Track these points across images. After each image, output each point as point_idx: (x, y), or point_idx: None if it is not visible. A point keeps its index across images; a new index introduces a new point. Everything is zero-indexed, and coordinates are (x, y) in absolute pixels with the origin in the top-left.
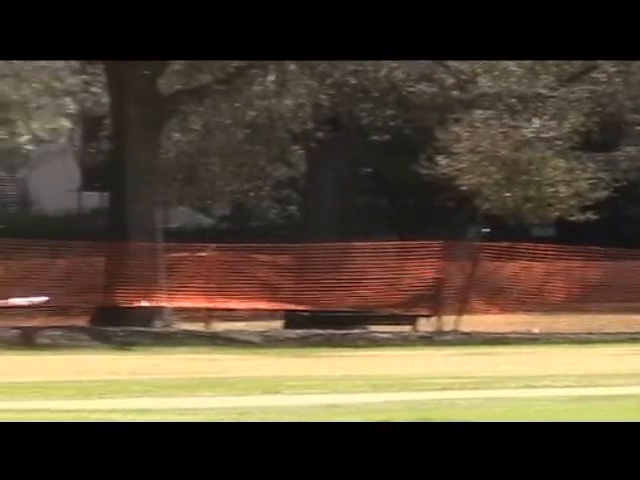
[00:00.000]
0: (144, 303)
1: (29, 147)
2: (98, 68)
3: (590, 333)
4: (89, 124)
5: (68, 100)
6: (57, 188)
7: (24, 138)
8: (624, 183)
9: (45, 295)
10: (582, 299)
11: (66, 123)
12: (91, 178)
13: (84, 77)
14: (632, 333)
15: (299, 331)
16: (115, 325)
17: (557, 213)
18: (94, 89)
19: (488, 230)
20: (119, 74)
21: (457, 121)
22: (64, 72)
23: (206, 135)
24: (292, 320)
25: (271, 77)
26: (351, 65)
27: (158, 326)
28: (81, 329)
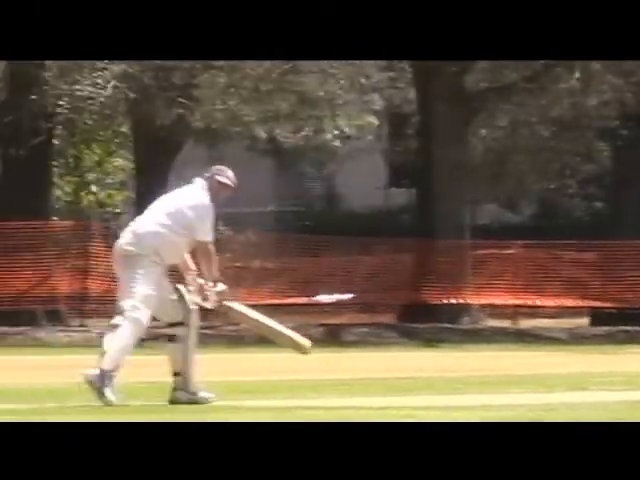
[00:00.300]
0: (451, 300)
1: (336, 144)
2: (405, 65)
3: None
4: (395, 121)
5: (375, 97)
6: (364, 185)
7: (330, 135)
8: None
9: (352, 292)
10: None
11: (372, 120)
12: (398, 175)
13: (391, 74)
14: None
15: (605, 328)
16: (422, 322)
17: None
18: (400, 85)
19: None
20: (426, 71)
21: None
22: (371, 68)
23: (512, 132)
24: (598, 317)
25: (576, 75)
26: None
27: (465, 323)
28: (388, 326)
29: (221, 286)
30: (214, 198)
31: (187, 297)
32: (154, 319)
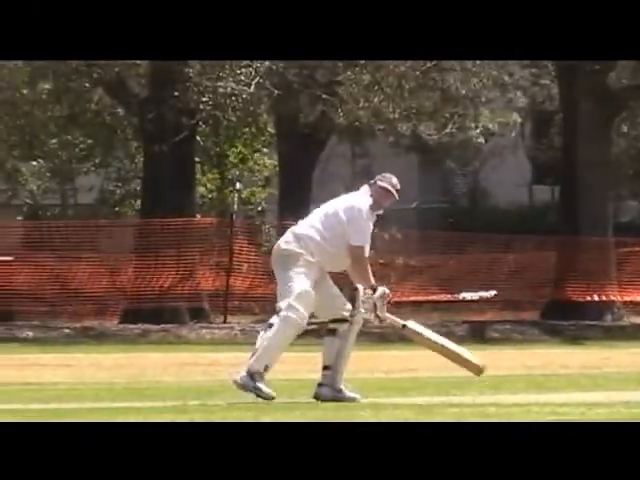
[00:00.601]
0: (594, 297)
1: (479, 141)
2: (547, 62)
3: None
4: (538, 118)
5: (518, 94)
6: (508, 182)
7: (474, 132)
8: None
9: (495, 289)
10: None
11: (516, 117)
12: (541, 172)
13: (533, 71)
14: None
15: None
16: (566, 319)
17: None
18: (543, 82)
19: None
20: (569, 69)
21: None
22: (514, 66)
23: None
24: None
25: None
26: None
27: (609, 320)
28: (531, 323)
29: (381, 290)
30: (377, 204)
31: (359, 299)
32: (313, 316)
